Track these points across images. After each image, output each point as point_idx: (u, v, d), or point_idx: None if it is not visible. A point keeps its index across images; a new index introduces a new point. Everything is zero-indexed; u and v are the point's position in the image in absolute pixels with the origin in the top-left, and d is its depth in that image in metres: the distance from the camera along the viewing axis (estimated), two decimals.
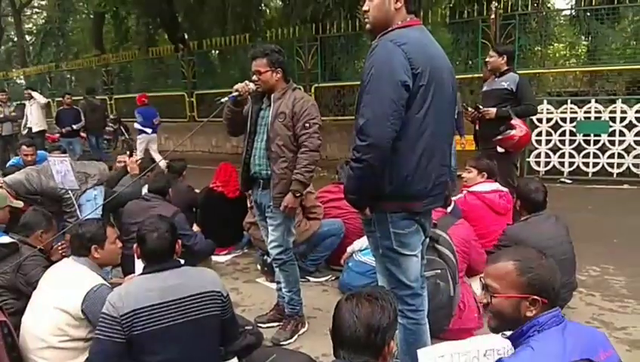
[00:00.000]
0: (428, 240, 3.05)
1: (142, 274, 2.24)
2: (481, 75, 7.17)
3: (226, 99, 3.01)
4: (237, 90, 2.97)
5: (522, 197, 3.44)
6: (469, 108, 4.74)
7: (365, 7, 2.19)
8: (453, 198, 4.00)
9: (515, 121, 4.40)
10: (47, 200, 3.85)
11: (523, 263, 1.57)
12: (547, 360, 1.48)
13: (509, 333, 1.65)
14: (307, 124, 2.94)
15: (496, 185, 4.08)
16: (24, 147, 6.19)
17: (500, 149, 4.52)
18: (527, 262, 1.58)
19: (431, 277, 3.03)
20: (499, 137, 4.44)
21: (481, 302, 1.67)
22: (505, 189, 4.12)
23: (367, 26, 2.21)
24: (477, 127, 4.87)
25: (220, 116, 3.14)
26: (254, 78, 2.99)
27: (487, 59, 4.91)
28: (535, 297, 1.54)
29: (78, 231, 2.61)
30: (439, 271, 3.08)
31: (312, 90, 10.40)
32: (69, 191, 3.62)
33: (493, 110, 4.49)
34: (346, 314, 1.55)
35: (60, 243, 3.22)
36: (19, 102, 10.47)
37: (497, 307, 1.59)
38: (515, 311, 1.56)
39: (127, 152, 5.25)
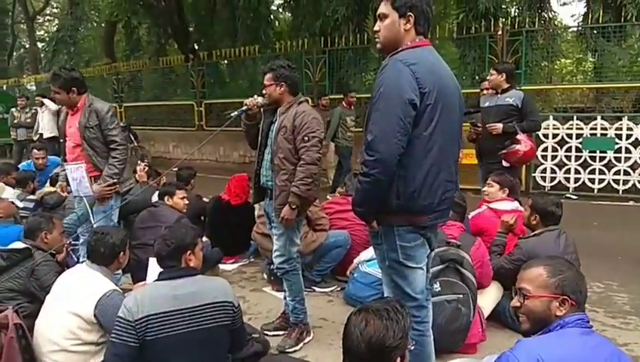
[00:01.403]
0: (450, 261, 3.08)
1: (156, 280, 2.30)
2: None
3: (236, 113, 3.12)
4: (246, 105, 3.09)
5: (542, 212, 3.47)
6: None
7: (376, 28, 2.27)
8: (473, 213, 4.06)
9: (520, 136, 4.47)
10: None
11: (553, 267, 1.73)
12: (565, 344, 1.59)
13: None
14: (306, 138, 3.00)
15: (516, 205, 4.06)
16: (35, 150, 6.32)
17: (504, 163, 4.59)
18: (557, 266, 1.73)
19: (452, 301, 3.05)
20: (504, 151, 4.51)
21: (514, 306, 1.78)
22: (522, 209, 4.12)
23: (378, 45, 2.29)
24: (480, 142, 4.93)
25: (228, 127, 3.25)
26: (264, 91, 3.11)
27: (487, 77, 5.00)
28: (564, 297, 1.67)
29: (107, 240, 2.68)
30: (461, 295, 3.08)
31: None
32: (84, 198, 3.68)
33: (500, 125, 4.56)
34: (351, 327, 1.60)
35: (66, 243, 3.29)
36: (35, 109, 10.65)
37: (530, 307, 1.72)
38: (545, 310, 1.69)
39: (138, 161, 5.36)
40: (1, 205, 3.91)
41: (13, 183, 5.33)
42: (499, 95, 4.72)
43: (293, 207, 2.99)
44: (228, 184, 5.10)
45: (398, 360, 1.60)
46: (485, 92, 5.55)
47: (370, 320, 1.58)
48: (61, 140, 3.97)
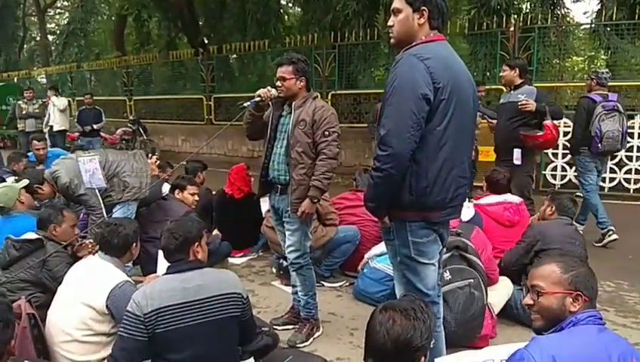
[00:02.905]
0: (455, 249, 3.11)
1: (165, 273, 2.30)
2: (499, 86, 7.21)
3: (249, 103, 3.11)
4: (259, 96, 3.06)
5: (559, 205, 3.71)
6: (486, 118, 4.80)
7: (390, 23, 2.26)
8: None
9: (547, 122, 4.44)
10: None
11: (565, 264, 1.72)
12: (579, 341, 1.59)
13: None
14: (327, 132, 3.01)
15: (503, 198, 4.14)
16: (35, 142, 6.28)
17: (516, 161, 4.56)
18: (569, 262, 1.73)
19: (464, 286, 3.07)
20: (525, 133, 4.51)
21: (527, 303, 1.77)
22: (515, 200, 4.17)
23: (392, 40, 2.28)
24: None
25: (239, 120, 3.23)
26: (278, 84, 3.07)
27: (500, 74, 4.96)
28: (578, 293, 1.67)
29: (120, 231, 2.69)
30: (472, 280, 3.11)
31: (329, 97, 10.46)
32: (96, 190, 3.70)
33: (532, 102, 4.50)
34: (377, 325, 1.58)
35: (89, 242, 3.30)
36: (43, 100, 10.71)
37: (544, 304, 1.71)
38: (560, 307, 1.68)
39: (149, 154, 5.37)
40: (25, 195, 3.94)
41: (22, 171, 5.37)
42: (512, 91, 4.69)
43: (315, 201, 3.01)
44: (229, 177, 5.07)
45: (423, 359, 1.59)
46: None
47: (398, 319, 1.57)
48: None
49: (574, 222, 4.96)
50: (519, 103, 4.53)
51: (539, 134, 4.43)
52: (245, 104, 3.12)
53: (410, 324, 1.56)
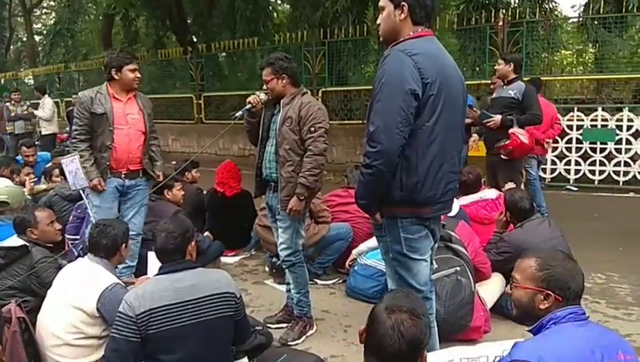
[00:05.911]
0: (439, 240, 3.15)
1: (157, 274, 2.29)
2: (488, 81, 7.24)
3: (240, 113, 3.12)
4: (250, 103, 3.08)
5: (510, 209, 3.66)
6: (475, 109, 4.82)
7: (378, 21, 2.28)
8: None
9: (514, 130, 4.46)
10: None
11: (544, 261, 1.72)
12: (562, 340, 1.59)
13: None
14: (312, 128, 3.00)
15: (478, 196, 4.20)
16: (24, 148, 6.20)
17: (503, 156, 4.59)
18: (548, 260, 1.72)
19: (451, 274, 3.10)
20: (498, 144, 4.54)
21: (507, 292, 1.82)
22: (491, 196, 4.22)
23: (380, 38, 2.30)
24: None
25: (235, 125, 3.24)
26: (264, 87, 3.10)
27: (495, 67, 4.98)
28: (548, 292, 1.67)
29: (109, 232, 2.67)
30: (458, 268, 3.14)
31: (319, 94, 10.43)
32: (81, 192, 3.66)
33: (498, 117, 4.55)
34: (389, 329, 1.55)
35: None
36: (31, 102, 10.56)
37: (516, 296, 1.76)
38: (529, 302, 1.71)
39: None
40: None
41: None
42: (504, 86, 4.71)
43: (302, 198, 2.99)
44: (217, 175, 5.02)
45: (425, 353, 1.59)
46: (492, 86, 5.57)
47: (409, 320, 1.55)
48: (110, 129, 3.69)
49: None
50: (485, 122, 4.66)
51: (507, 143, 4.47)
52: (237, 114, 3.13)
53: (420, 323, 1.56)
